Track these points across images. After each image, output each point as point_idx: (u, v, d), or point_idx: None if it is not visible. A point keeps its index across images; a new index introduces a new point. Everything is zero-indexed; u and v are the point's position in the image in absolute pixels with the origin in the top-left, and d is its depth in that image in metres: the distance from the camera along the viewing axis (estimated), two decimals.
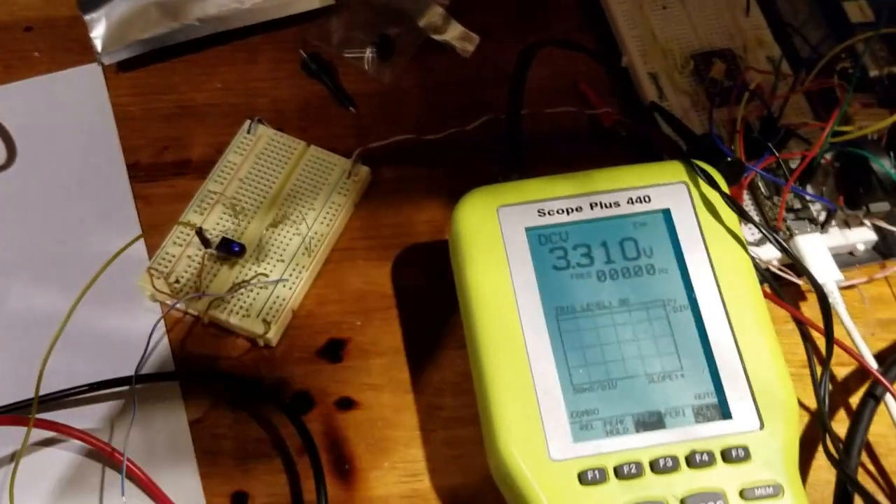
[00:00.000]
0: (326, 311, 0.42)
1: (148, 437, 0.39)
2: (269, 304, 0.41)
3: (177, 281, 0.41)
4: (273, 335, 0.41)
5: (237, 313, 0.41)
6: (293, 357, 0.41)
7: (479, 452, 0.37)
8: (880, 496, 0.38)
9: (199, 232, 0.42)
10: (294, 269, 0.42)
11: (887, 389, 0.37)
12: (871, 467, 0.39)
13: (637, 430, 0.35)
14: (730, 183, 0.40)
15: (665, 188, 0.39)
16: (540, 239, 0.38)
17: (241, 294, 0.41)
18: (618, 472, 0.34)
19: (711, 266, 0.38)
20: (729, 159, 0.41)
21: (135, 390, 0.39)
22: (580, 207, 0.39)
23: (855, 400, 0.39)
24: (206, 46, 0.51)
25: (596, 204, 0.39)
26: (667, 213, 0.39)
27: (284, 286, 0.41)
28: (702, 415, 0.35)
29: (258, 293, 0.41)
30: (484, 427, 0.36)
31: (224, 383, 0.40)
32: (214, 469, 0.38)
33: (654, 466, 0.34)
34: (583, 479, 0.33)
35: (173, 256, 0.42)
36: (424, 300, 0.43)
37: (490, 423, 0.35)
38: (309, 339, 0.42)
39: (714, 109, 0.45)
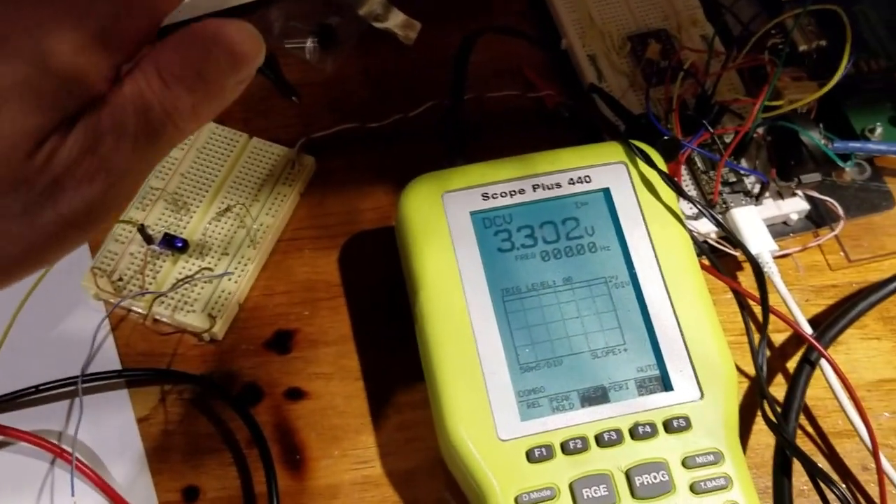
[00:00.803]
0: (273, 302, 0.42)
1: (96, 436, 0.39)
2: (215, 299, 0.41)
3: (120, 279, 0.41)
4: (219, 329, 0.41)
5: (182, 309, 0.40)
6: (240, 350, 0.41)
7: (430, 436, 0.37)
8: (819, 457, 0.40)
9: (141, 229, 0.41)
10: (239, 262, 0.42)
11: (822, 354, 0.38)
12: (809, 429, 0.40)
13: (582, 406, 0.35)
14: (667, 160, 0.41)
15: (604, 168, 0.40)
16: (484, 222, 0.39)
17: (186, 289, 0.41)
18: (564, 447, 0.34)
19: (651, 242, 0.38)
20: (665, 138, 0.41)
21: (81, 390, 0.39)
22: (523, 190, 0.40)
23: (792, 365, 0.40)
24: None
25: (538, 186, 0.40)
26: (607, 193, 0.40)
27: (229, 279, 0.41)
28: (644, 387, 0.36)
29: (203, 288, 0.41)
30: (433, 410, 0.36)
31: (171, 379, 0.40)
32: (165, 465, 0.38)
33: (599, 440, 0.34)
34: (530, 457, 0.34)
35: (116, 254, 0.42)
36: (372, 287, 0.43)
37: (439, 406, 0.35)
38: (256, 331, 0.42)
39: (650, 89, 0.46)
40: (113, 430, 0.39)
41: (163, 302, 0.41)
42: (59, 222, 0.23)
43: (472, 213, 0.39)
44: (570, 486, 0.34)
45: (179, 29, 0.24)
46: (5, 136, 0.22)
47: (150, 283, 0.41)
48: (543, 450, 0.34)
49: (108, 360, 0.41)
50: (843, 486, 0.39)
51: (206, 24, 0.24)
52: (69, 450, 0.37)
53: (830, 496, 0.36)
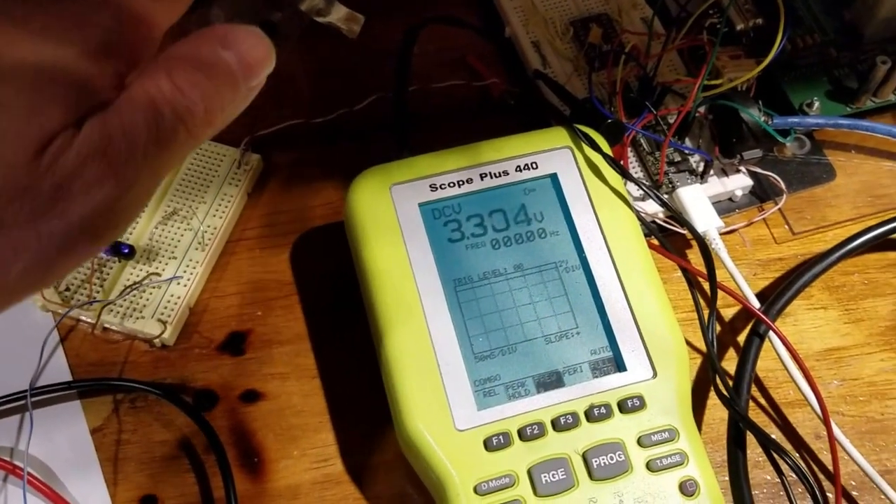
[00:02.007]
0: (225, 304, 0.42)
1: (49, 449, 0.38)
2: (164, 304, 0.40)
3: (67, 289, 0.40)
4: (170, 335, 0.40)
5: (131, 316, 0.40)
6: (193, 355, 0.41)
7: (389, 430, 0.37)
8: (772, 428, 0.40)
9: None
10: (187, 266, 0.41)
11: (769, 327, 0.39)
12: (762, 401, 0.41)
13: (538, 391, 0.36)
14: (612, 143, 0.41)
15: (551, 154, 0.40)
16: (433, 213, 0.39)
17: (134, 296, 0.40)
18: (521, 434, 0.34)
19: (599, 225, 0.39)
20: (609, 121, 0.42)
21: (30, 404, 0.38)
22: (470, 179, 0.40)
23: (743, 339, 0.41)
24: None
25: (486, 174, 0.40)
26: (554, 178, 0.40)
27: (178, 283, 0.41)
28: (598, 370, 0.36)
29: (151, 293, 0.41)
30: (390, 404, 0.36)
31: (123, 388, 0.40)
32: (121, 476, 0.38)
33: (556, 425, 0.35)
34: (488, 445, 0.34)
35: None
36: (325, 284, 0.43)
37: (395, 399, 0.35)
38: (208, 334, 0.41)
39: (594, 73, 0.46)
40: (66, 442, 0.39)
41: (111, 310, 0.40)
42: (67, 231, 0.22)
43: (421, 205, 0.39)
44: (529, 472, 0.34)
45: (189, 36, 0.23)
46: (8, 139, 0.21)
47: (98, 292, 0.40)
48: (501, 437, 0.34)
49: (59, 371, 0.40)
50: (797, 455, 0.40)
51: (216, 30, 0.23)
52: (21, 465, 0.37)
53: (785, 466, 0.37)
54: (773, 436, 0.39)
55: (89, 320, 0.40)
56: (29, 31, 0.22)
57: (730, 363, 0.41)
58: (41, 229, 0.22)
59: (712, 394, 0.40)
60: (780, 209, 0.45)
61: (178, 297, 0.41)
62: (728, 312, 0.43)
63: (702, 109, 0.43)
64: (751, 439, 0.38)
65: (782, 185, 0.44)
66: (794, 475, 0.36)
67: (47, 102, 0.22)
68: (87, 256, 0.23)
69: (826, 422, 0.37)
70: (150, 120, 0.22)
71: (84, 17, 0.22)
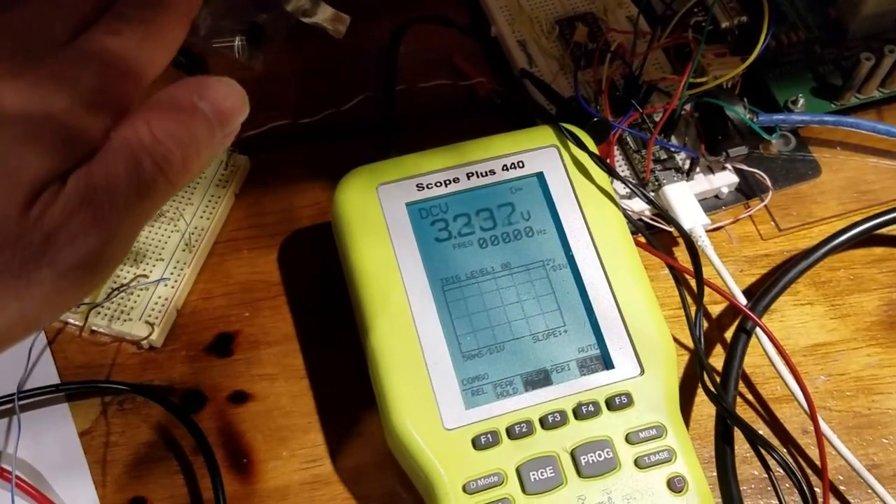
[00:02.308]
0: (213, 305, 0.42)
1: (38, 452, 0.38)
2: (151, 306, 0.40)
3: None
4: (157, 337, 0.40)
5: (119, 318, 0.40)
6: (181, 356, 0.41)
7: (378, 430, 0.37)
8: (760, 424, 0.40)
9: None
10: (175, 267, 0.41)
11: (756, 323, 0.39)
12: (749, 397, 0.41)
13: (526, 390, 0.36)
14: (598, 141, 0.41)
15: (537, 152, 0.40)
16: (420, 213, 0.39)
17: (122, 298, 0.40)
18: (510, 432, 0.35)
19: (586, 223, 0.39)
20: (595, 119, 0.42)
21: (18, 407, 0.38)
22: (457, 178, 0.40)
23: (730, 335, 0.41)
24: None
25: (472, 174, 0.40)
26: (540, 177, 0.40)
27: (166, 285, 0.41)
28: (586, 367, 0.36)
29: (139, 295, 0.41)
30: (378, 404, 0.36)
31: (111, 391, 0.40)
32: (110, 478, 0.38)
33: (544, 423, 0.35)
34: (476, 444, 0.34)
35: None
36: (313, 284, 0.43)
37: (383, 399, 0.35)
38: (196, 336, 0.41)
39: (580, 72, 0.46)
40: (54, 445, 0.39)
41: (99, 312, 0.40)
42: (55, 279, 0.23)
43: (408, 205, 0.39)
44: (517, 470, 0.34)
45: (167, 87, 0.25)
46: (1, 191, 0.22)
47: None
48: (489, 436, 0.34)
49: (47, 374, 0.40)
50: (784, 450, 0.40)
51: (192, 81, 0.25)
52: (9, 468, 0.37)
53: (772, 462, 0.37)
54: (760, 431, 0.39)
55: (77, 323, 0.40)
56: (19, 86, 0.23)
57: (717, 360, 0.41)
58: (32, 278, 0.23)
59: (700, 390, 0.40)
60: (766, 206, 0.45)
61: (166, 299, 0.41)
62: (715, 309, 0.43)
63: (687, 107, 0.44)
64: (738, 435, 0.38)
65: (768, 182, 0.44)
66: (781, 470, 0.37)
67: (37, 155, 0.23)
68: (73, 302, 0.24)
69: (813, 417, 0.37)
70: (132, 170, 0.23)
71: (72, 71, 0.24)
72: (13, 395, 0.38)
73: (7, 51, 0.24)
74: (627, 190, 0.43)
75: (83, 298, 0.26)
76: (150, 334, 0.40)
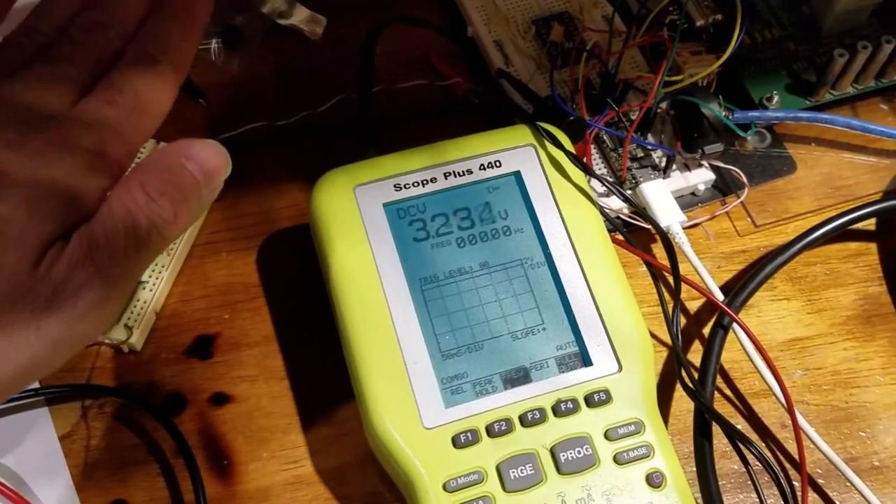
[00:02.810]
0: (192, 308, 0.42)
1: (19, 457, 0.38)
2: (130, 309, 0.40)
3: None
4: (136, 340, 0.40)
5: None
6: (161, 359, 0.41)
7: (359, 430, 0.37)
8: (738, 418, 0.41)
9: None
10: (153, 270, 0.41)
11: (733, 319, 0.39)
12: (728, 392, 0.41)
13: (505, 388, 0.36)
14: (574, 140, 0.41)
15: (514, 152, 0.41)
16: (398, 213, 0.39)
17: None
18: (489, 430, 0.35)
19: (563, 222, 0.39)
20: (571, 118, 0.42)
21: None
22: (435, 178, 0.40)
23: (708, 331, 0.41)
24: None
25: (449, 173, 0.40)
26: (518, 176, 0.40)
27: (144, 288, 0.41)
28: (564, 365, 0.36)
29: None
30: (358, 403, 0.36)
31: (91, 394, 0.40)
32: (91, 481, 0.38)
33: (523, 420, 0.35)
34: (456, 442, 0.34)
35: None
36: (292, 285, 0.43)
37: (363, 399, 0.35)
38: (176, 338, 0.41)
39: (556, 71, 0.46)
40: (35, 449, 0.38)
41: None
42: (63, 327, 0.26)
43: (385, 205, 0.39)
44: (497, 468, 0.34)
45: (158, 149, 0.29)
46: (12, 252, 0.25)
47: None
48: (469, 434, 0.34)
49: None
50: (763, 444, 0.40)
51: (180, 144, 0.28)
52: None
53: (751, 456, 0.38)
54: (738, 426, 0.40)
55: None
56: (24, 154, 0.26)
57: (695, 355, 0.42)
58: (41, 326, 0.25)
59: (678, 386, 0.40)
60: (742, 202, 0.45)
61: (145, 302, 0.41)
62: (693, 305, 0.44)
63: (663, 105, 0.44)
64: (717, 430, 0.38)
65: (744, 179, 0.45)
66: (760, 464, 0.37)
67: (43, 217, 0.26)
68: (78, 348, 0.27)
69: (790, 411, 0.38)
70: (129, 228, 0.26)
71: (72, 139, 0.27)
72: None
73: (12, 121, 0.27)
74: (605, 188, 0.43)
75: (87, 344, 0.29)
76: (129, 338, 0.40)
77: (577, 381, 0.36)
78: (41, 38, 0.30)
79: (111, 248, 0.26)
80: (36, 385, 0.40)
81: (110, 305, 0.27)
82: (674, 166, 0.44)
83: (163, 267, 0.41)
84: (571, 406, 0.35)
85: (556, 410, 0.35)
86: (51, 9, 0.31)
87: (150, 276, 0.41)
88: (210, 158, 0.28)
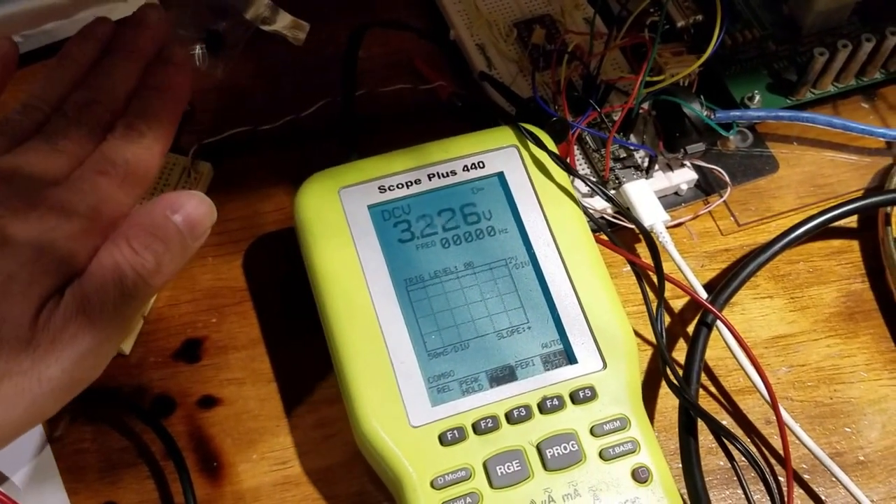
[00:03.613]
0: (179, 312, 0.42)
1: (9, 460, 0.38)
2: None
3: None
4: (125, 344, 0.40)
5: None
6: (149, 363, 0.41)
7: (346, 430, 0.38)
8: (724, 415, 0.41)
9: None
10: None
11: (716, 316, 0.39)
12: (713, 389, 0.42)
13: (491, 386, 0.36)
14: (557, 141, 0.42)
15: (497, 153, 0.41)
16: (383, 215, 0.39)
17: None
18: (476, 428, 0.35)
19: (547, 222, 0.39)
20: (554, 119, 0.42)
21: None
22: (419, 180, 0.40)
23: (692, 329, 0.42)
24: (30, 61, 0.49)
25: (433, 175, 0.40)
26: (501, 177, 0.40)
27: None
28: (549, 363, 0.37)
29: None
30: (346, 404, 0.36)
31: (80, 397, 0.39)
32: (81, 484, 0.38)
33: (510, 417, 0.35)
34: (443, 440, 0.35)
35: None
36: (279, 288, 0.43)
37: (350, 399, 0.36)
38: (163, 342, 0.41)
39: (538, 73, 0.47)
40: (25, 452, 0.38)
41: None
42: (61, 374, 0.28)
43: (370, 207, 0.39)
44: (484, 465, 0.34)
45: (145, 204, 0.31)
46: (17, 305, 0.28)
47: None
48: (455, 432, 0.35)
49: None
50: (748, 440, 0.41)
51: (165, 198, 0.31)
52: None
53: (736, 452, 0.38)
54: (724, 423, 0.40)
55: None
56: (27, 219, 0.29)
57: (680, 353, 0.42)
58: (42, 375, 0.28)
59: (664, 384, 0.41)
60: (725, 201, 0.46)
61: None
62: (677, 304, 0.44)
63: (645, 106, 0.44)
64: (703, 427, 0.39)
65: (726, 178, 0.45)
66: (745, 460, 0.37)
67: (42, 274, 0.28)
68: (75, 393, 0.30)
69: (775, 407, 0.38)
70: (117, 281, 0.29)
71: (70, 207, 0.30)
72: None
73: (16, 191, 0.30)
74: (588, 188, 0.43)
75: (84, 388, 0.31)
76: None
77: (563, 379, 0.36)
78: (38, 114, 0.34)
79: (101, 300, 0.28)
80: None
81: (104, 351, 0.29)
82: (656, 166, 0.45)
83: None
84: (557, 403, 0.35)
85: (542, 407, 0.35)
86: (46, 89, 0.34)
87: None
88: (195, 209, 0.31)
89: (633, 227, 0.43)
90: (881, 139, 0.48)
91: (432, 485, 0.34)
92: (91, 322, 0.28)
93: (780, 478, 0.40)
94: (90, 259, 0.30)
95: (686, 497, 0.37)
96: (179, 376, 0.41)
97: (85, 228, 0.30)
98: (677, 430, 0.39)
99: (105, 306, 0.29)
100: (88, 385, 0.31)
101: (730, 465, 0.39)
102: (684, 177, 0.45)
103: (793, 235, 0.43)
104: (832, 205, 0.44)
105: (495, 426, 0.35)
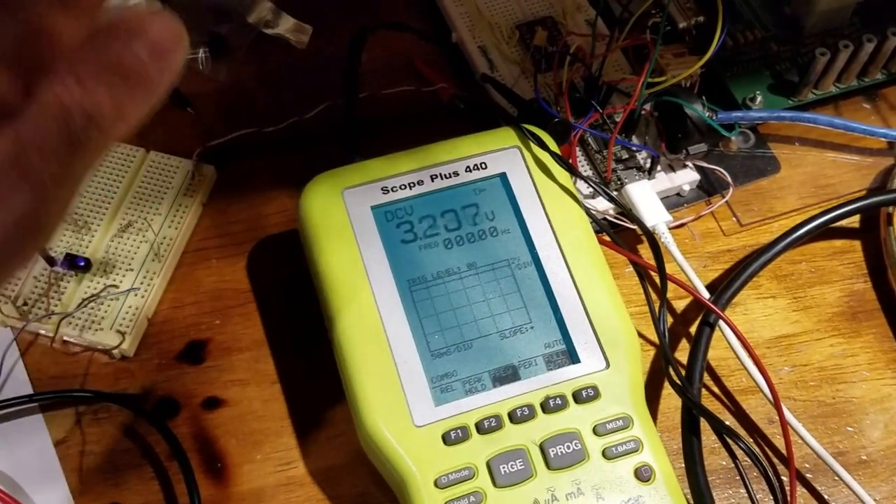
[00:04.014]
0: (183, 314, 0.42)
1: (14, 463, 0.38)
2: (122, 315, 0.41)
3: (24, 303, 0.40)
4: (129, 346, 0.40)
5: (90, 328, 0.40)
6: (153, 364, 0.41)
7: (350, 431, 0.38)
8: (726, 415, 0.41)
9: (43, 251, 0.41)
10: (144, 277, 0.42)
11: (719, 316, 0.39)
12: (715, 389, 0.42)
13: (494, 386, 0.36)
14: (560, 142, 0.42)
15: (499, 154, 0.41)
16: (386, 216, 0.39)
17: (93, 308, 0.40)
18: (479, 427, 0.35)
19: (549, 222, 0.39)
20: (556, 120, 0.43)
21: None
22: (421, 181, 0.40)
23: (695, 329, 0.42)
24: None
25: (436, 176, 0.40)
26: (503, 178, 0.41)
27: (136, 295, 0.41)
28: (552, 362, 0.37)
29: (110, 305, 0.41)
30: (349, 404, 0.36)
31: (85, 400, 0.40)
32: (86, 486, 0.38)
33: (513, 417, 0.35)
34: (447, 439, 0.35)
35: (19, 279, 0.41)
36: (282, 290, 0.43)
37: (354, 399, 0.36)
38: (168, 344, 0.41)
39: (540, 75, 0.47)
40: (30, 455, 0.39)
41: (70, 322, 0.40)
42: None
43: (373, 208, 0.39)
44: (488, 464, 0.34)
45: (97, 31, 0.23)
46: None
47: (56, 305, 0.40)
48: (459, 431, 0.35)
49: (20, 385, 0.40)
50: (750, 440, 0.41)
51: (122, 21, 0.23)
52: None
53: (739, 451, 0.38)
54: (726, 422, 0.40)
55: (48, 333, 0.40)
56: None
57: (683, 354, 0.42)
58: None
59: (666, 384, 0.41)
60: (727, 202, 0.46)
61: (137, 308, 0.41)
62: (679, 305, 0.44)
63: (647, 107, 0.44)
64: (706, 427, 0.39)
65: (728, 179, 0.45)
66: (748, 460, 0.37)
67: None
68: (15, 267, 0.23)
69: (777, 407, 0.38)
70: (62, 125, 0.22)
71: None
72: None
73: None
74: (591, 189, 0.43)
75: (23, 265, 0.25)
76: (121, 343, 0.40)
77: (565, 378, 0.36)
78: None
79: (41, 150, 0.22)
80: (30, 391, 0.40)
81: (46, 217, 0.23)
82: (658, 167, 0.45)
83: (154, 274, 0.42)
84: (560, 402, 0.36)
85: (545, 407, 0.35)
86: None
87: (141, 283, 0.41)
88: (160, 33, 0.23)
89: (634, 227, 0.43)
90: (883, 139, 0.48)
91: (436, 484, 0.34)
92: (27, 178, 0.22)
93: (783, 477, 0.40)
94: (19, 96, 0.22)
95: (689, 496, 0.37)
96: (183, 378, 0.41)
97: (7, 55, 0.23)
98: (679, 429, 0.39)
99: (47, 158, 0.22)
100: (28, 260, 0.25)
101: (732, 465, 0.39)
102: (686, 177, 0.45)
103: (795, 235, 0.43)
104: (834, 205, 0.44)
105: (498, 426, 0.35)
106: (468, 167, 0.41)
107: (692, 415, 0.38)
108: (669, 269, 0.40)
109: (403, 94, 0.48)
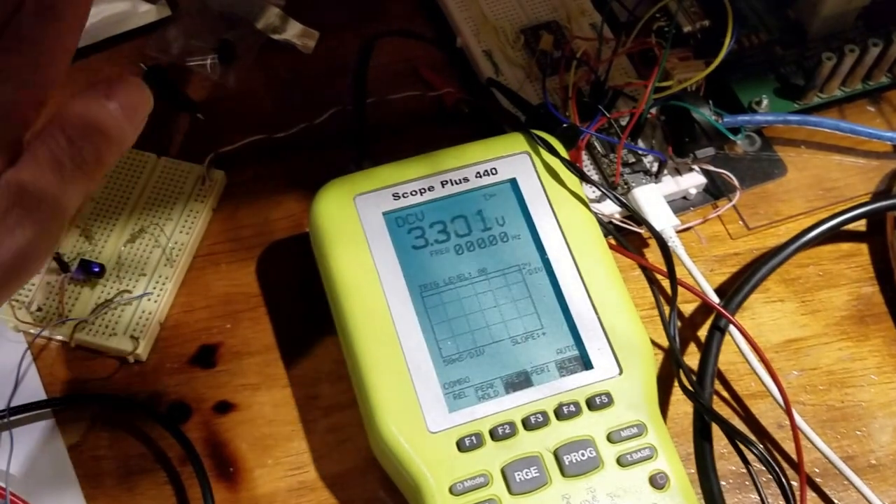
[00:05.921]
0: (194, 318, 0.42)
1: (28, 468, 0.38)
2: (136, 320, 0.41)
3: (39, 309, 0.41)
4: (142, 350, 0.40)
5: (103, 333, 0.40)
6: (165, 369, 0.41)
7: (361, 435, 0.38)
8: (736, 419, 0.41)
9: (57, 257, 0.41)
10: (157, 282, 0.42)
11: (730, 321, 0.40)
12: (725, 394, 0.42)
13: (507, 392, 0.36)
14: (568, 147, 0.42)
15: (509, 159, 0.41)
16: (397, 221, 0.40)
17: (106, 313, 0.41)
18: (493, 434, 0.35)
19: (559, 227, 0.39)
20: (564, 125, 0.43)
21: (9, 423, 0.39)
22: (432, 187, 0.40)
23: (703, 333, 0.42)
24: None
25: (446, 182, 0.40)
26: (513, 183, 0.41)
27: (149, 300, 0.41)
28: (565, 368, 0.37)
29: (123, 310, 0.41)
30: (362, 409, 0.37)
31: (97, 404, 0.40)
32: (99, 491, 0.38)
33: (526, 424, 0.35)
34: (461, 446, 0.35)
35: (33, 285, 0.41)
36: (292, 294, 0.43)
37: (367, 404, 0.36)
38: (179, 348, 0.42)
39: (546, 79, 0.47)
40: (44, 460, 0.39)
41: (84, 328, 0.40)
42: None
43: (385, 214, 0.39)
44: (503, 471, 0.35)
45: (79, 93, 0.28)
46: None
47: (70, 310, 0.41)
48: (473, 438, 0.35)
49: (33, 390, 0.40)
50: (761, 445, 0.41)
51: (98, 85, 0.27)
52: (2, 484, 0.37)
53: (750, 456, 0.38)
54: (737, 427, 0.40)
55: (62, 339, 0.41)
56: None
57: (692, 358, 0.42)
58: None
59: (677, 389, 0.41)
60: (734, 206, 0.46)
61: (149, 313, 0.41)
62: (688, 308, 0.44)
63: (654, 111, 0.45)
64: (716, 431, 0.39)
65: (735, 182, 0.45)
66: (759, 464, 0.37)
67: None
68: (16, 288, 0.27)
69: (788, 411, 0.38)
70: (56, 171, 0.26)
71: None
72: (4, 411, 0.38)
73: None
74: (598, 193, 0.43)
75: (19, 289, 0.28)
76: (135, 348, 0.40)
77: (579, 385, 0.36)
78: None
79: (39, 191, 0.26)
80: (44, 396, 0.40)
81: (43, 246, 0.27)
82: (665, 171, 0.45)
83: (166, 278, 0.42)
84: (574, 409, 0.36)
85: (559, 414, 0.36)
86: None
87: (154, 288, 0.42)
88: (131, 96, 0.28)
89: (641, 231, 0.43)
90: (888, 143, 0.48)
91: (451, 491, 0.34)
92: (28, 214, 0.26)
93: (793, 481, 0.40)
94: (18, 148, 0.27)
95: (702, 502, 0.38)
96: (195, 382, 0.41)
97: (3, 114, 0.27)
98: (690, 435, 0.39)
99: (44, 198, 0.27)
100: (24, 284, 0.28)
101: (744, 469, 0.39)
102: (693, 181, 0.45)
103: (803, 239, 0.43)
104: (841, 208, 0.44)
105: (512, 432, 0.35)
106: (478, 173, 0.41)
107: (704, 420, 0.38)
108: (677, 273, 0.40)
109: (409, 99, 0.48)
